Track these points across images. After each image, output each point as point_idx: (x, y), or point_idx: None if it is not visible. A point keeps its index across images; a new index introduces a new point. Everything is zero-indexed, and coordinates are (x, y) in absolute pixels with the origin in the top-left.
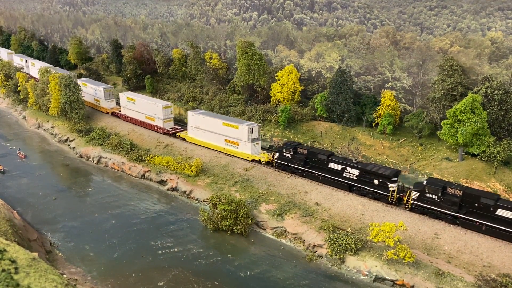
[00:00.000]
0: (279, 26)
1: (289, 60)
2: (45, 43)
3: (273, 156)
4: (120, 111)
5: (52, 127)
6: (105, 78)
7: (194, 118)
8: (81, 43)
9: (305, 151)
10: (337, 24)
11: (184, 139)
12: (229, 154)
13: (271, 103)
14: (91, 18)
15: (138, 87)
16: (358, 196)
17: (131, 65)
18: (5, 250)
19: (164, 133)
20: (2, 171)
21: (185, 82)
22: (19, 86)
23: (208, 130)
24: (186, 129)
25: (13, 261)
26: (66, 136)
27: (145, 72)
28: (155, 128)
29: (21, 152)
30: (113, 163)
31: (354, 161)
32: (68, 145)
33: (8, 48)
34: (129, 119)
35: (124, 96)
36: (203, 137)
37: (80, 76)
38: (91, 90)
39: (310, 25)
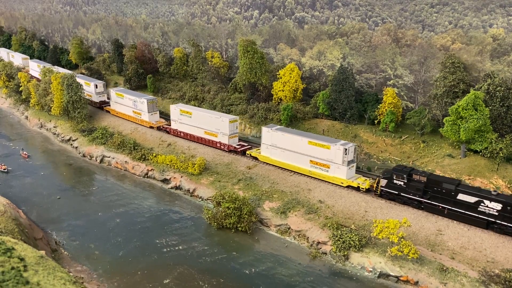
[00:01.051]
0: (281, 24)
1: (291, 58)
2: (46, 43)
3: (377, 184)
4: (168, 125)
5: (54, 127)
6: (106, 77)
7: (270, 134)
8: (82, 42)
9: (424, 179)
10: (339, 22)
11: (256, 158)
12: (315, 178)
13: (273, 101)
14: (92, 18)
15: (139, 87)
16: (362, 194)
17: (132, 64)
18: (13, 248)
19: (230, 151)
20: (6, 170)
21: (186, 81)
22: (21, 86)
23: (288, 149)
24: (257, 146)
25: (22, 259)
26: (69, 136)
27: (146, 71)
28: (218, 144)
29: (24, 152)
30: (116, 162)
31: (493, 192)
32: (71, 144)
33: (9, 49)
34: (182, 134)
35: (177, 108)
36: (281, 157)
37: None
38: (129, 102)
39: (311, 23)
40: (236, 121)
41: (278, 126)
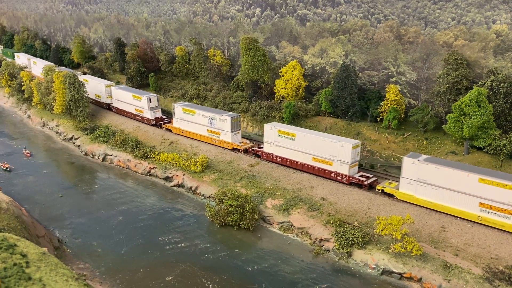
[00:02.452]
0: (283, 22)
1: (293, 56)
2: (48, 43)
3: None
4: (259, 147)
5: (57, 126)
6: (108, 76)
7: (418, 167)
8: (84, 42)
9: None
10: (341, 19)
11: (392, 196)
12: (484, 225)
13: (275, 99)
14: (94, 17)
15: (141, 85)
16: (364, 190)
17: (134, 63)
18: (15, 245)
19: (350, 183)
20: (8, 169)
21: (188, 80)
22: (24, 85)
23: (447, 187)
24: (387, 179)
25: (24, 255)
26: (71, 134)
27: (148, 70)
28: (333, 175)
29: (26, 151)
30: (119, 160)
31: None
32: (73, 143)
33: (11, 48)
34: (279, 160)
35: (273, 128)
36: (435, 196)
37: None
38: (202, 120)
39: (313, 21)
40: (358, 146)
41: (429, 156)
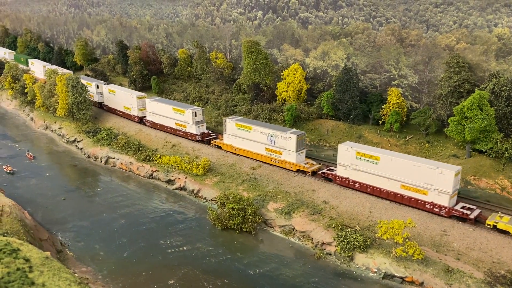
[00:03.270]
0: (284, 25)
1: (295, 59)
2: (51, 45)
3: None
4: (330, 170)
5: (59, 128)
6: (111, 79)
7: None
8: (86, 44)
9: None
10: (343, 22)
11: (507, 232)
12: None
13: (277, 102)
14: (97, 19)
15: (144, 88)
16: (366, 194)
17: (137, 65)
18: (18, 249)
19: (450, 216)
20: (11, 172)
21: (190, 82)
22: (27, 87)
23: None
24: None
25: (27, 260)
26: (74, 137)
27: (151, 72)
28: (428, 205)
29: (29, 153)
30: (121, 163)
31: None
32: (76, 145)
33: (14, 50)
34: (357, 185)
35: (351, 150)
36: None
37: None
38: (259, 137)
39: (315, 24)
40: (459, 173)
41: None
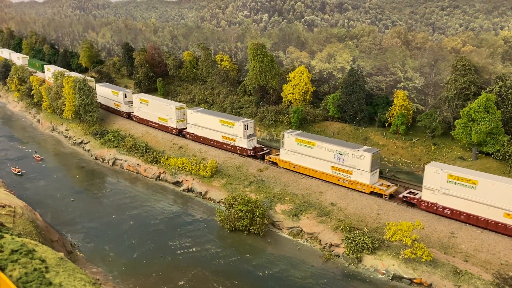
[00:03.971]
0: (290, 27)
1: (300, 61)
2: (56, 47)
3: None
4: (411, 193)
5: (66, 130)
6: (116, 81)
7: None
8: (92, 46)
9: None
10: (348, 25)
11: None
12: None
13: (283, 104)
14: (102, 22)
15: (149, 90)
16: (374, 196)
17: (142, 68)
18: (34, 250)
19: None
20: (20, 173)
21: (196, 84)
22: (33, 89)
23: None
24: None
25: (43, 261)
26: (81, 139)
27: (156, 74)
28: None
29: (37, 155)
30: (129, 165)
31: None
32: (83, 147)
33: (19, 52)
34: (448, 212)
35: (441, 172)
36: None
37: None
38: (325, 154)
39: (321, 26)
40: None
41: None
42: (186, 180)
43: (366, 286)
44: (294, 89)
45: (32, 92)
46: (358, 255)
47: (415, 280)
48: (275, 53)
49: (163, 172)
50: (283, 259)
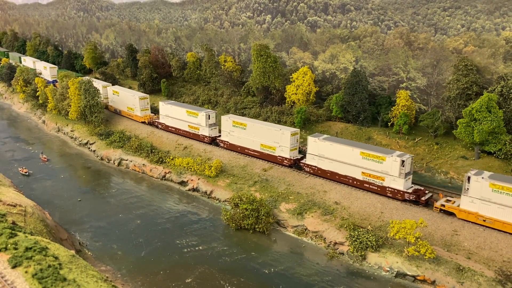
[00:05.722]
0: (293, 28)
1: (303, 62)
2: (60, 49)
3: None
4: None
5: (72, 131)
6: (120, 82)
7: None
8: (96, 47)
9: None
10: (351, 26)
11: None
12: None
13: (286, 104)
14: (105, 23)
15: (153, 91)
16: (376, 194)
17: (146, 69)
18: (47, 248)
19: None
20: (27, 174)
21: (199, 85)
22: (38, 91)
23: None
24: None
25: (56, 258)
26: (86, 140)
27: (160, 75)
28: None
29: (43, 156)
30: (134, 165)
31: None
32: (89, 148)
33: (23, 54)
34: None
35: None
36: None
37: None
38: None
39: (324, 27)
40: None
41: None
42: (192, 180)
43: (370, 283)
44: (297, 89)
45: (37, 94)
46: (362, 253)
47: (418, 277)
48: (278, 54)
49: (169, 172)
50: (288, 257)
